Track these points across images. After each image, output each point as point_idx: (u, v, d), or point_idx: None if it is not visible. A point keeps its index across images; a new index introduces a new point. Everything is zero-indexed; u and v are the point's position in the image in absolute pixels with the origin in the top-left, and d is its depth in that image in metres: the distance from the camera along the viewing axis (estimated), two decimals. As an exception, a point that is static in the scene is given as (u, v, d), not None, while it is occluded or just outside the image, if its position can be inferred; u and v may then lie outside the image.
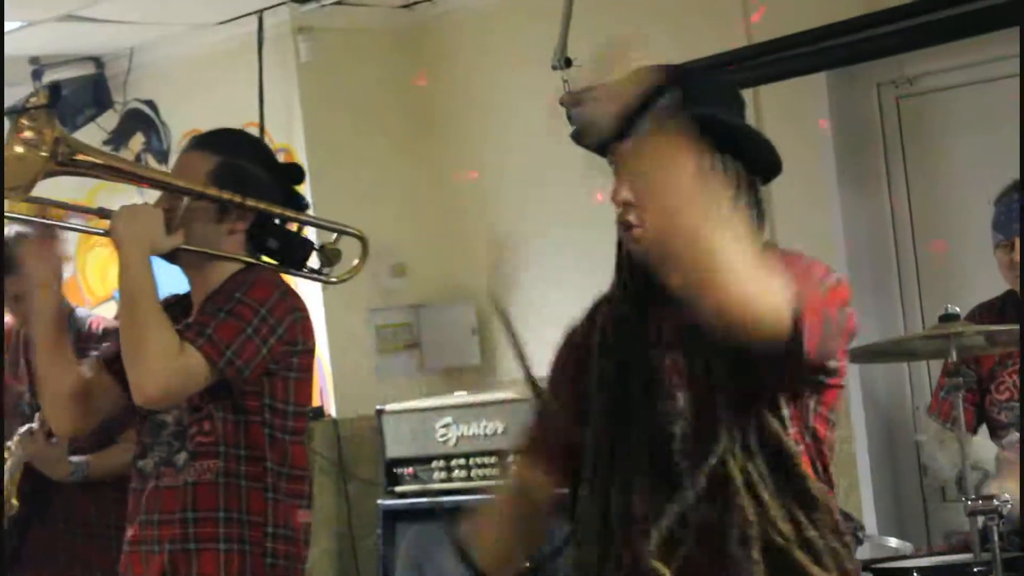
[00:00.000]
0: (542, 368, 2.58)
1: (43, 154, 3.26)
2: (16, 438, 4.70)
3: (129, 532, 3.55)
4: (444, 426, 6.41)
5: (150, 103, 7.42)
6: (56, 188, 3.73)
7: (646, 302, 2.52)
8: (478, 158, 7.06)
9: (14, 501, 4.76)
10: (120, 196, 4.18)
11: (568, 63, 5.71)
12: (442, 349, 7.31)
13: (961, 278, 5.74)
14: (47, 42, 7.03)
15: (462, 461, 6.17)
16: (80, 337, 4.30)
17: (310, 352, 3.54)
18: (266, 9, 6.60)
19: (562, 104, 2.97)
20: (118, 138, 7.53)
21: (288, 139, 6.85)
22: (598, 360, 2.55)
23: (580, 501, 2.53)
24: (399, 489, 6.31)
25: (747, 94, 5.66)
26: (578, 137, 2.48)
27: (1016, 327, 4.34)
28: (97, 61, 7.36)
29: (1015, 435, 4.60)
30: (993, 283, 4.85)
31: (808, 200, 6.15)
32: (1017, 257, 4.57)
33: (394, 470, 6.32)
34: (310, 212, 3.80)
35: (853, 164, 6.16)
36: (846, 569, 2.40)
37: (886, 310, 6.09)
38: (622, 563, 2.45)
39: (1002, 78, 5.69)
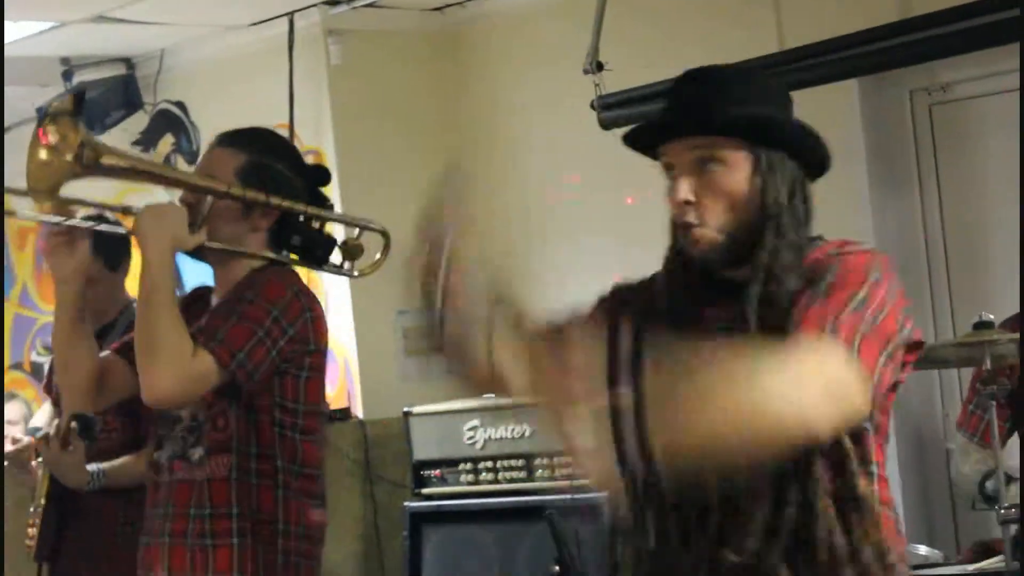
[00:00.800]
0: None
1: (68, 158, 3.28)
2: (32, 443, 4.80)
3: (146, 524, 3.61)
4: (471, 428, 6.34)
5: (180, 104, 7.43)
6: (89, 188, 3.65)
7: (701, 302, 2.46)
8: (508, 161, 6.98)
9: (43, 500, 4.64)
10: (148, 197, 4.20)
11: (600, 67, 5.75)
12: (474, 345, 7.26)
13: (993, 286, 5.72)
14: (78, 43, 7.04)
15: (489, 464, 6.12)
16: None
17: (322, 352, 3.55)
18: (297, 11, 6.59)
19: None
20: (148, 139, 7.57)
21: (318, 142, 6.84)
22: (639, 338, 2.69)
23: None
24: (426, 491, 6.26)
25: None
26: (629, 138, 2.46)
27: None
28: (128, 62, 7.34)
29: None
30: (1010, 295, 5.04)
31: (839, 206, 5.96)
32: None
33: (421, 472, 6.27)
34: (334, 210, 3.85)
35: (885, 171, 6.12)
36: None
37: (917, 317, 5.97)
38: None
39: None
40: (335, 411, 6.64)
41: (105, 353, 3.72)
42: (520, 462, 6.05)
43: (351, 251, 3.64)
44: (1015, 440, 4.61)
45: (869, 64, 5.75)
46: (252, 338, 3.34)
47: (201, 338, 3.29)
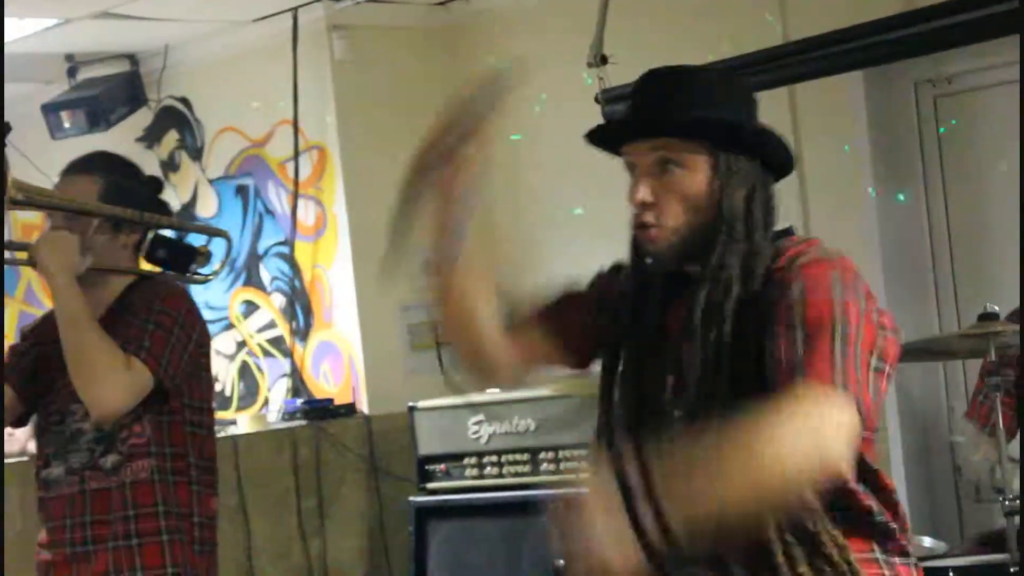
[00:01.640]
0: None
1: None
2: None
3: (42, 537, 3.68)
4: (476, 423, 6.36)
5: (184, 100, 7.38)
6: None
7: (661, 299, 2.46)
8: (510, 156, 6.82)
9: None
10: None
11: (604, 60, 5.66)
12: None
13: (998, 277, 5.67)
14: (82, 39, 6.99)
15: (494, 458, 6.13)
16: None
17: (209, 354, 3.73)
18: (301, 7, 6.58)
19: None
20: (152, 135, 7.55)
21: (322, 137, 6.83)
22: (619, 321, 2.53)
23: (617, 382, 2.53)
24: (431, 486, 6.27)
25: (784, 92, 5.65)
26: (592, 137, 2.43)
27: None
28: (132, 58, 7.28)
29: None
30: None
31: (844, 197, 6.12)
32: None
33: (426, 467, 6.26)
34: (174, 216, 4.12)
35: (890, 161, 6.08)
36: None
37: (921, 309, 6.01)
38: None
39: None
40: (340, 406, 6.76)
41: None
42: (524, 456, 6.05)
43: (205, 256, 3.86)
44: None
45: (873, 56, 5.62)
46: (168, 345, 3.50)
47: (131, 348, 3.43)
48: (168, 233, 4.05)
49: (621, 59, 5.74)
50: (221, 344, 7.57)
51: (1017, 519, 4.18)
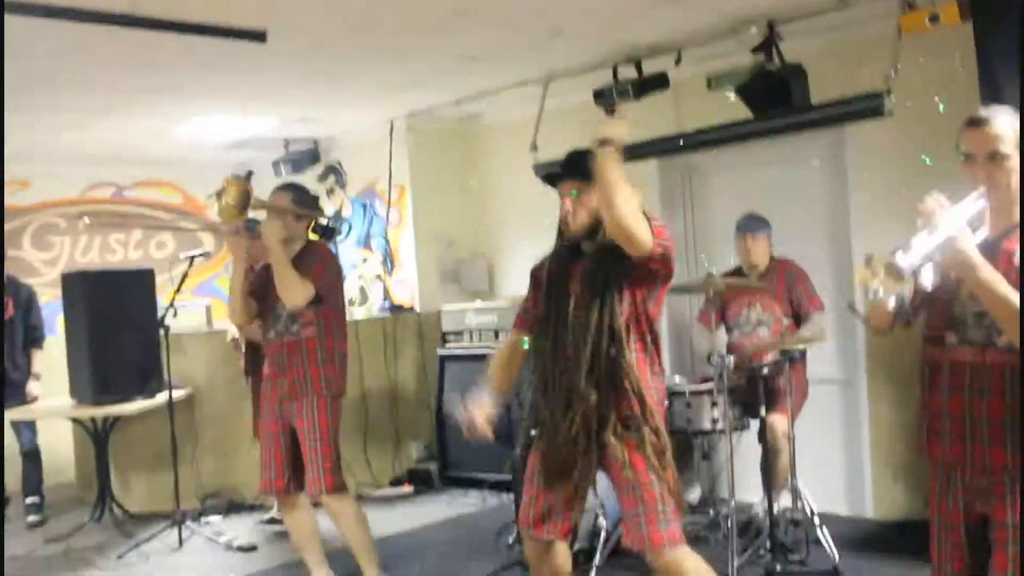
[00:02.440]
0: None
1: (230, 202, 4.24)
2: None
3: (266, 367, 4.60)
4: (469, 316, 7.30)
5: (338, 163, 8.42)
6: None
7: (569, 261, 3.27)
8: (494, 197, 7.80)
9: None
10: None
11: (535, 148, 6.51)
12: (471, 280, 7.90)
13: (717, 254, 6.42)
14: (290, 131, 7.86)
15: (478, 334, 7.20)
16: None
17: (343, 280, 4.52)
18: (395, 119, 7.52)
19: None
20: (322, 179, 8.49)
21: (403, 180, 7.78)
22: (546, 283, 3.35)
23: (538, 352, 3.33)
24: (448, 346, 7.37)
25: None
26: (546, 177, 3.35)
27: (739, 280, 5.26)
28: (315, 141, 8.25)
29: (735, 332, 5.40)
30: (727, 262, 5.69)
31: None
32: (748, 244, 5.35)
33: (445, 336, 7.42)
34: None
35: (670, 197, 6.68)
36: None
37: (683, 269, 6.10)
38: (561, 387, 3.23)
39: (757, 167, 6.26)
40: (407, 308, 7.77)
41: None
42: (492, 332, 7.12)
43: (336, 232, 5.06)
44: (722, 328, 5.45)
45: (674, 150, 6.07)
46: (323, 276, 4.37)
47: (309, 278, 4.29)
48: (322, 221, 4.96)
49: (546, 148, 6.43)
50: (351, 277, 8.20)
51: (719, 367, 4.68)
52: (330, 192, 8.50)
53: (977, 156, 2.52)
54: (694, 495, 5.75)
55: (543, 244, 3.50)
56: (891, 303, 2.49)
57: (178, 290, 5.92)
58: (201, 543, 5.92)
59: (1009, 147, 2.49)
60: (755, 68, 5.22)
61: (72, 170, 8.52)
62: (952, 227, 2.35)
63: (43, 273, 8.40)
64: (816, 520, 4.92)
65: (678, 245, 6.30)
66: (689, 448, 5.47)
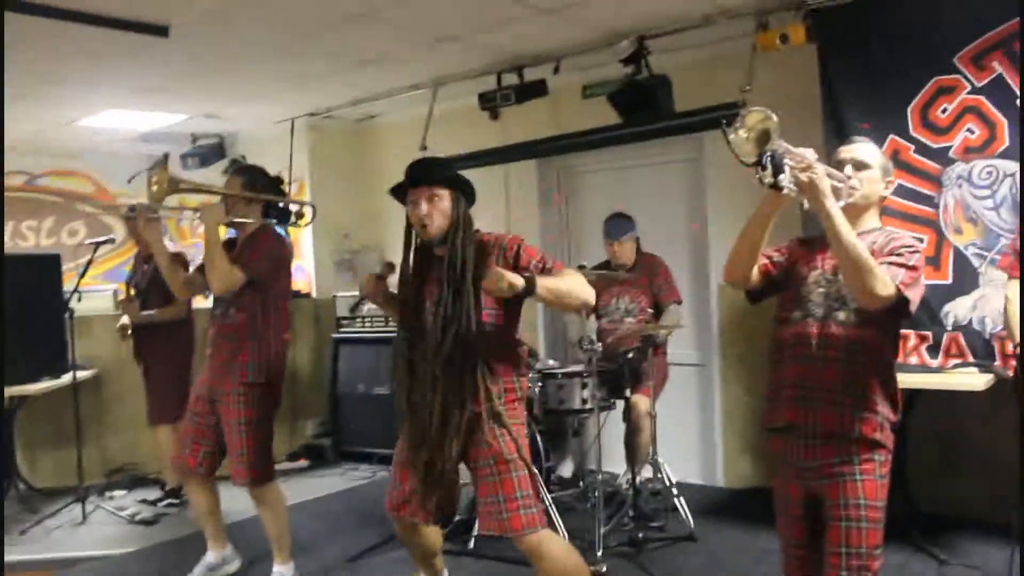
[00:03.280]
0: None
1: (164, 187, 3.80)
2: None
3: (209, 351, 4.17)
4: (360, 303, 6.90)
5: (243, 157, 7.92)
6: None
7: (425, 261, 3.18)
8: (381, 190, 7.08)
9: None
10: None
11: (424, 148, 6.25)
12: (364, 270, 7.55)
13: (584, 251, 6.41)
14: (197, 126, 7.58)
15: (370, 320, 7.09)
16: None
17: (290, 264, 4.26)
18: (296, 117, 7.26)
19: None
20: (227, 173, 7.18)
21: (302, 176, 7.58)
22: (409, 281, 3.22)
23: (401, 346, 3.21)
24: (342, 330, 7.25)
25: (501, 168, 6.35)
26: (394, 192, 3.18)
27: (608, 273, 5.11)
28: (220, 136, 7.96)
29: (605, 320, 5.36)
30: (601, 254, 5.53)
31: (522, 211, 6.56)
32: (614, 248, 5.28)
33: (340, 321, 7.28)
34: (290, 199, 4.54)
35: (548, 195, 6.70)
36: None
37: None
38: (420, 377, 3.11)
39: (625, 168, 6.30)
40: (305, 294, 7.56)
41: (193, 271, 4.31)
42: (383, 318, 6.94)
43: (300, 214, 4.64)
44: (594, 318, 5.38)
45: (538, 153, 6.26)
46: (263, 262, 4.04)
47: (239, 263, 3.99)
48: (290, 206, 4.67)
49: (432, 148, 6.21)
50: None
51: (589, 353, 4.65)
52: (235, 186, 8.05)
53: (846, 163, 2.66)
54: (566, 469, 5.71)
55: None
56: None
57: (83, 275, 5.67)
58: (104, 517, 5.68)
59: (874, 164, 2.67)
60: (626, 78, 5.21)
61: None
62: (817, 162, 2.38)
63: (-50, 258, 7.87)
64: (674, 490, 4.96)
65: (555, 238, 6.64)
66: (562, 426, 5.45)
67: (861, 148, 2.69)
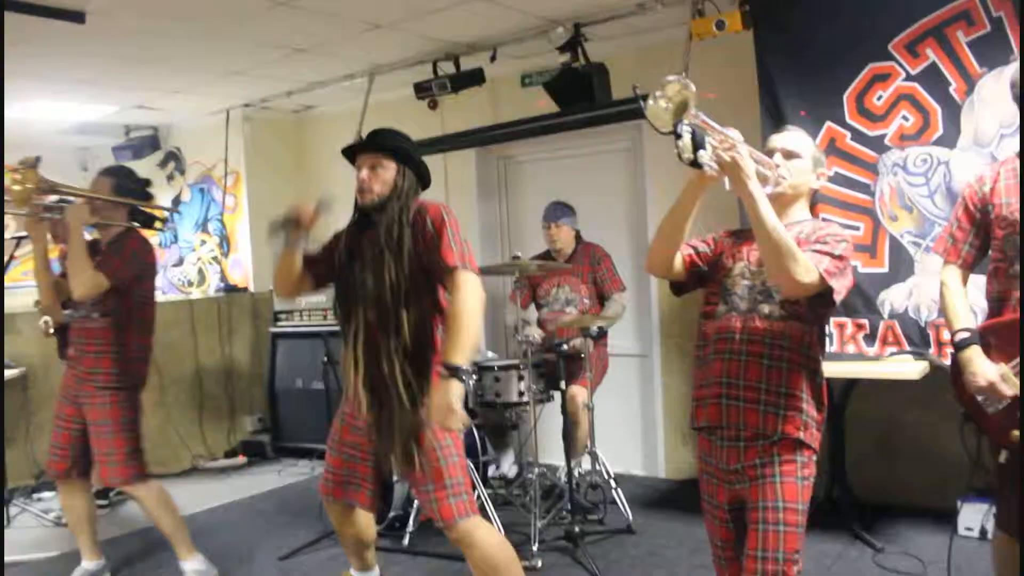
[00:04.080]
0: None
1: (30, 187, 3.69)
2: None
3: (70, 353, 4.03)
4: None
5: (178, 149, 7.94)
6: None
7: (363, 226, 3.10)
8: (324, 183, 7.17)
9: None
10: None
11: (360, 138, 5.37)
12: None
13: (523, 241, 6.46)
14: (132, 117, 7.38)
15: (308, 313, 6.87)
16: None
17: (153, 269, 4.10)
18: (231, 108, 7.15)
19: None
20: (163, 165, 7.97)
21: (238, 166, 7.40)
22: (343, 246, 3.15)
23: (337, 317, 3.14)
24: (279, 324, 7.05)
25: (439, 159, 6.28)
26: (345, 152, 3.14)
27: (546, 262, 5.12)
28: (155, 128, 7.78)
29: (545, 310, 5.36)
30: (541, 245, 5.55)
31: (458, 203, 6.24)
32: (552, 232, 5.24)
33: (277, 315, 7.07)
34: (158, 202, 4.30)
35: (486, 185, 6.66)
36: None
37: (496, 251, 6.64)
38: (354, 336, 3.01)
39: (565, 158, 6.29)
40: (241, 288, 7.37)
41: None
42: (320, 312, 6.77)
43: (164, 220, 4.62)
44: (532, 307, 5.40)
45: (478, 142, 6.27)
46: (124, 265, 3.92)
47: (100, 267, 3.85)
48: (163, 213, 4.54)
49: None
50: (190, 259, 7.82)
51: (525, 345, 4.65)
52: (170, 178, 8.03)
53: (775, 151, 2.60)
54: (507, 465, 5.61)
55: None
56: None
57: (2, 271, 5.17)
58: (30, 520, 5.50)
59: (805, 153, 2.61)
60: (562, 66, 5.12)
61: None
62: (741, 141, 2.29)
63: None
64: (612, 483, 4.89)
65: (494, 229, 6.56)
66: (502, 420, 5.33)
67: (792, 137, 2.62)
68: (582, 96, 5.02)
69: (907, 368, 4.08)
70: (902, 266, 4.28)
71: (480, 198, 6.70)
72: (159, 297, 4.69)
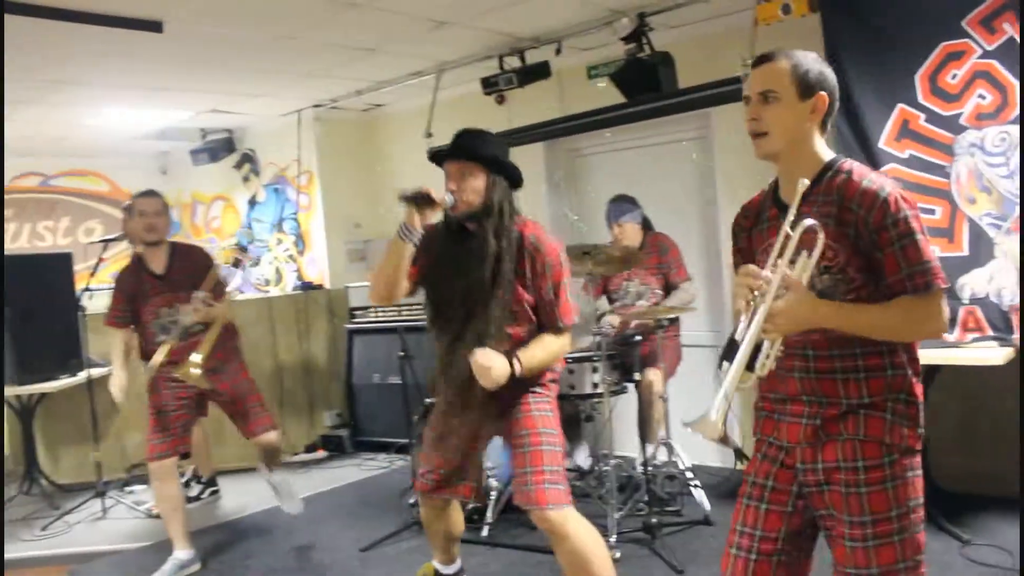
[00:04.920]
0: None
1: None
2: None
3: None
4: (416, 199, 6.40)
5: (252, 150, 8.05)
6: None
7: (456, 234, 3.06)
8: (396, 181, 7.38)
9: None
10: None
11: (429, 135, 6.31)
12: (376, 259, 7.08)
13: (593, 233, 6.37)
14: (208, 121, 7.53)
15: (383, 308, 6.81)
16: None
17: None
18: (302, 110, 7.26)
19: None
20: (238, 166, 8.15)
21: (311, 166, 7.50)
22: (436, 257, 3.06)
23: (431, 325, 3.09)
24: (355, 320, 7.16)
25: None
26: (432, 157, 3.11)
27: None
28: (230, 131, 7.92)
29: (617, 304, 5.28)
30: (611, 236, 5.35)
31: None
32: (616, 232, 5.18)
33: (353, 312, 7.18)
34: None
35: (555, 178, 6.58)
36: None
37: (567, 243, 6.27)
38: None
39: (633, 148, 6.19)
40: (318, 285, 7.45)
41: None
42: (395, 307, 6.74)
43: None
44: (604, 299, 5.33)
45: (551, 134, 6.09)
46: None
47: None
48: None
49: (439, 134, 6.21)
50: (268, 261, 7.97)
51: (599, 337, 4.57)
52: (246, 179, 8.18)
53: (751, 96, 2.13)
54: (582, 457, 5.56)
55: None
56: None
57: (93, 273, 5.61)
58: (123, 512, 5.70)
59: (782, 87, 2.10)
60: (628, 57, 5.08)
61: (-2, 160, 8.07)
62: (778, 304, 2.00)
63: (-29, 260, 7.89)
64: (689, 474, 4.86)
65: (563, 222, 6.58)
66: (575, 412, 5.29)
67: (761, 73, 2.11)
68: (648, 86, 4.99)
69: (991, 354, 3.96)
70: (982, 250, 4.16)
71: (549, 191, 6.66)
72: (239, 296, 4.85)
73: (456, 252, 3.00)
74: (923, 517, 2.03)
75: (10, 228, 8.40)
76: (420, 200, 2.90)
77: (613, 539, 4.27)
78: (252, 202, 8.14)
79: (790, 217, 2.00)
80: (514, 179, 3.02)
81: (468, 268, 2.94)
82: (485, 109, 6.09)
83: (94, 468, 5.74)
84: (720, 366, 2.05)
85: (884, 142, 4.28)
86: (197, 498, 5.96)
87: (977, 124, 4.11)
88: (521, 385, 2.98)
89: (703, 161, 5.90)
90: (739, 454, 5.12)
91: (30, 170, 8.51)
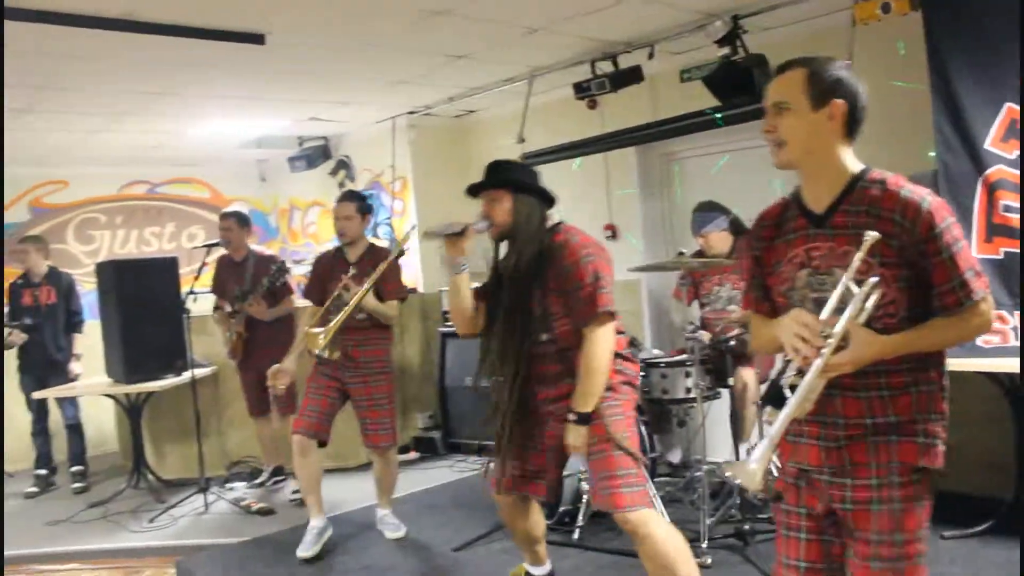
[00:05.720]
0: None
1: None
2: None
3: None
4: (452, 234, 6.28)
5: (348, 157, 8.19)
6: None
7: (500, 257, 3.29)
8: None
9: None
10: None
11: (522, 140, 6.39)
12: (469, 264, 7.47)
13: (687, 237, 6.15)
14: (302, 129, 7.72)
15: None
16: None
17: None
18: (396, 116, 7.32)
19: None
20: (334, 172, 8.28)
21: (405, 172, 7.61)
22: (493, 279, 3.35)
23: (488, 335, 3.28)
24: (448, 324, 6.98)
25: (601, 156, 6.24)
26: (468, 192, 3.32)
27: (706, 260, 4.97)
28: (325, 138, 8.01)
29: (708, 309, 5.28)
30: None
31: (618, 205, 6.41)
32: (702, 243, 5.15)
33: (446, 315, 7.02)
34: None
35: (648, 182, 6.62)
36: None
37: (660, 248, 6.56)
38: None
39: (727, 152, 6.16)
40: (411, 289, 7.30)
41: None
42: None
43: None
44: (696, 304, 5.32)
45: (639, 140, 6.09)
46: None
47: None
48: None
49: (531, 140, 6.45)
50: None
51: (692, 342, 4.54)
52: (341, 185, 8.24)
53: (767, 107, 2.12)
54: (675, 456, 5.56)
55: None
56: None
57: (197, 277, 5.83)
58: (225, 507, 5.88)
59: (793, 97, 2.08)
60: (722, 60, 5.05)
61: (108, 169, 8.49)
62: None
63: (86, 264, 8.32)
64: (782, 480, 4.67)
65: (657, 226, 6.59)
66: (667, 415, 5.28)
67: (777, 82, 2.10)
68: (742, 89, 4.93)
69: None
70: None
71: (642, 195, 6.65)
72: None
73: (501, 272, 3.26)
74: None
75: (119, 234, 8.76)
76: (451, 234, 3.16)
77: (705, 545, 4.24)
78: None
79: (849, 274, 1.98)
80: (544, 197, 3.19)
81: (509, 284, 3.17)
82: (577, 114, 6.11)
83: (197, 465, 5.92)
84: (762, 407, 2.05)
85: (990, 143, 4.13)
86: (262, 484, 6.23)
87: (1089, 124, 3.92)
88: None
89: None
90: (778, 497, 4.93)
91: (138, 179, 8.84)
